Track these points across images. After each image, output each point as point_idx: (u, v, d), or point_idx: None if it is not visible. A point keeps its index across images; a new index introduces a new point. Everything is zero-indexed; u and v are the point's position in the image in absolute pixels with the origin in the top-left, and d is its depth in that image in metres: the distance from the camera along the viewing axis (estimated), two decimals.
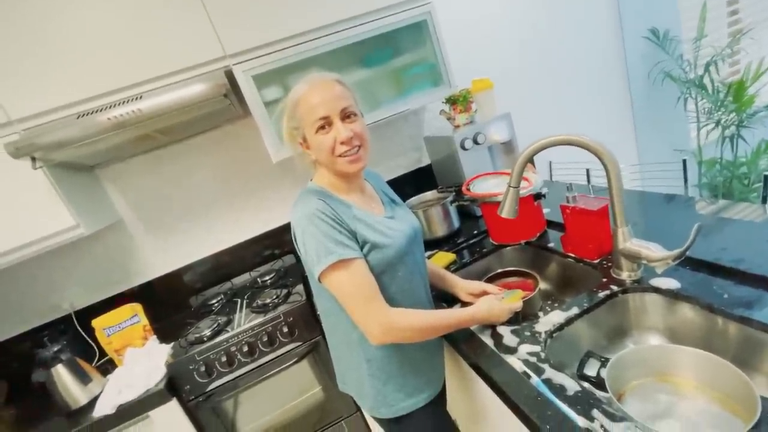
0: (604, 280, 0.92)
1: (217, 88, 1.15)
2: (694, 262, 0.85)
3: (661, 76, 2.23)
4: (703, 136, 2.31)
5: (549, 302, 1.13)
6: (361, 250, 0.79)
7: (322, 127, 0.79)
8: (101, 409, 1.15)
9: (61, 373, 1.21)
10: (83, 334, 1.56)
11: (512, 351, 0.79)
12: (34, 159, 1.12)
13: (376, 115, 1.47)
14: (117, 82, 1.21)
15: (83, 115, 1.14)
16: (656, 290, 0.83)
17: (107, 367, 1.43)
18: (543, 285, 1.17)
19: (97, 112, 1.13)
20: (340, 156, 0.80)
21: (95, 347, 1.54)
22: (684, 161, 1.63)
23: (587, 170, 1.80)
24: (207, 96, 1.15)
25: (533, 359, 0.75)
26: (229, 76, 1.28)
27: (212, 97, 1.16)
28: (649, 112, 2.35)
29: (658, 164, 1.85)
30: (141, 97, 1.15)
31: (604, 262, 0.98)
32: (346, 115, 0.80)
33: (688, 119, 2.37)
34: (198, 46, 1.26)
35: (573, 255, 1.07)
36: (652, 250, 0.81)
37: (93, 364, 1.45)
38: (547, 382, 0.68)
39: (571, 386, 0.66)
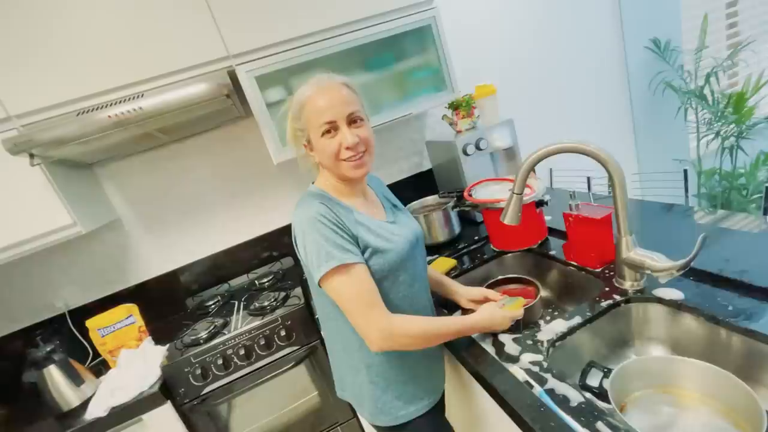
0: (607, 289, 0.91)
1: (220, 88, 1.15)
2: (697, 272, 0.85)
3: (661, 86, 2.24)
4: (703, 147, 2.32)
5: (549, 310, 1.13)
6: (363, 255, 0.78)
7: (328, 131, 0.78)
8: (93, 412, 1.13)
9: (53, 373, 1.19)
10: (77, 334, 1.54)
11: (514, 360, 0.78)
12: (32, 155, 1.10)
13: (377, 119, 1.47)
14: (118, 80, 1.20)
15: (83, 112, 1.12)
16: (659, 300, 0.83)
17: (100, 368, 1.41)
18: (543, 293, 1.17)
19: (97, 109, 1.11)
20: (344, 161, 0.80)
21: (89, 348, 1.52)
22: (685, 171, 1.63)
23: (588, 178, 1.80)
24: (209, 96, 1.14)
25: (536, 368, 0.74)
26: (232, 76, 1.27)
27: (214, 97, 1.15)
28: (649, 122, 2.36)
29: (658, 173, 1.85)
30: (142, 96, 1.13)
31: (607, 271, 0.98)
32: (352, 120, 0.79)
33: (687, 129, 2.39)
34: (201, 45, 1.25)
35: (575, 263, 1.07)
36: (656, 260, 0.80)
37: (86, 366, 1.43)
38: (550, 392, 0.67)
39: (575, 397, 0.65)
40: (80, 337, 1.53)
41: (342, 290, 0.75)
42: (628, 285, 0.89)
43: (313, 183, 0.90)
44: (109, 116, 1.09)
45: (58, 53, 1.16)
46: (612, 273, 0.95)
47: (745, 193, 2.27)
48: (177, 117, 1.20)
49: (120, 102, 1.12)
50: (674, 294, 0.82)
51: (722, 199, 2.30)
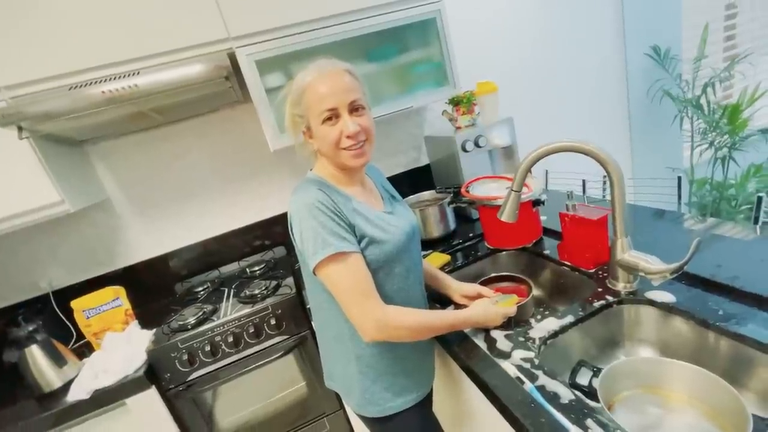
0: (600, 290, 0.91)
1: (219, 69, 1.12)
2: (689, 276, 0.85)
3: (659, 93, 2.26)
4: (696, 156, 2.35)
5: (541, 309, 1.13)
6: (359, 245, 0.77)
7: (329, 119, 0.76)
8: (75, 394, 1.11)
9: (35, 354, 1.16)
10: (60, 314, 1.50)
11: (506, 356, 0.78)
12: (20, 128, 1.07)
13: (378, 111, 1.45)
14: (115, 56, 1.17)
15: (76, 86, 1.09)
16: (651, 303, 0.84)
17: (83, 350, 1.39)
18: (536, 292, 1.17)
19: (91, 84, 1.08)
20: (344, 149, 0.78)
21: (72, 329, 1.49)
22: (679, 178, 1.65)
23: (583, 181, 1.81)
24: (208, 77, 1.11)
25: (527, 365, 0.74)
26: (232, 59, 1.25)
27: (213, 79, 1.12)
28: (646, 128, 2.38)
29: (652, 179, 1.87)
30: (138, 73, 1.10)
31: (600, 272, 0.98)
32: (354, 108, 0.77)
33: (682, 138, 2.42)
34: (202, 25, 1.22)
35: (569, 263, 1.07)
36: (650, 262, 0.81)
37: (69, 347, 1.40)
38: (541, 388, 0.68)
39: (565, 394, 0.65)
40: (64, 318, 1.50)
41: (337, 279, 0.74)
42: (620, 286, 0.89)
43: (311, 170, 0.88)
44: (103, 92, 1.06)
45: (52, 25, 1.12)
46: (605, 274, 0.96)
47: (734, 204, 2.31)
48: (173, 97, 1.17)
49: (115, 78, 1.09)
50: (666, 297, 0.82)
51: (712, 208, 2.34)
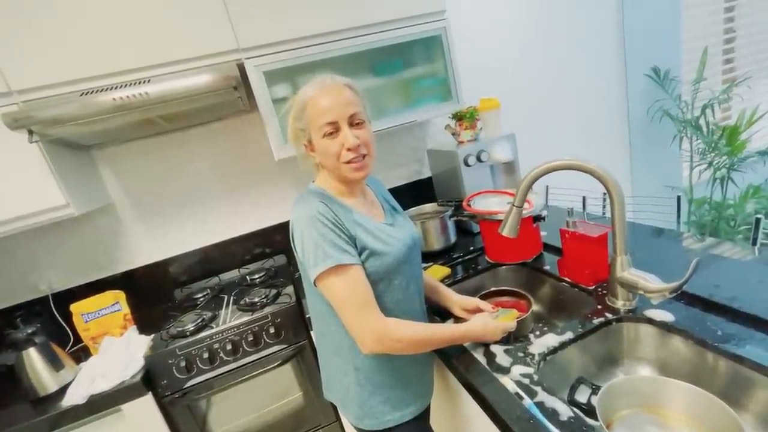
0: (599, 307, 0.92)
1: (228, 79, 1.15)
2: (688, 296, 0.86)
3: (659, 113, 2.29)
4: (695, 176, 2.38)
5: (540, 325, 1.13)
6: (360, 256, 0.78)
7: (330, 133, 0.78)
8: (71, 398, 1.10)
9: (33, 356, 1.15)
10: (58, 317, 1.50)
11: (505, 371, 0.78)
12: (31, 132, 1.08)
13: (382, 124, 1.47)
14: (125, 63, 1.19)
15: (87, 93, 1.11)
16: (650, 321, 0.84)
17: (80, 354, 1.38)
18: (535, 307, 1.17)
19: (101, 91, 1.10)
20: (345, 162, 0.80)
21: (69, 333, 1.48)
22: (678, 197, 1.67)
23: (584, 198, 1.83)
24: (217, 86, 1.14)
25: (526, 381, 0.74)
26: (240, 69, 1.27)
27: (222, 88, 1.15)
28: (645, 147, 2.41)
29: (651, 198, 1.89)
30: (149, 81, 1.13)
31: (600, 289, 0.99)
32: (354, 122, 0.79)
33: (681, 158, 2.44)
34: (212, 35, 1.25)
35: (568, 279, 1.08)
36: (649, 281, 0.82)
37: (66, 351, 1.39)
38: (540, 405, 0.68)
39: (564, 411, 0.65)
40: (62, 321, 1.50)
41: (337, 290, 0.75)
42: (620, 304, 0.90)
43: (313, 182, 0.90)
44: (114, 99, 1.08)
45: (65, 31, 1.14)
46: (605, 291, 0.96)
47: (733, 224, 2.32)
48: (182, 105, 1.19)
49: (126, 86, 1.12)
50: (665, 316, 0.83)
51: (710, 228, 2.35)
